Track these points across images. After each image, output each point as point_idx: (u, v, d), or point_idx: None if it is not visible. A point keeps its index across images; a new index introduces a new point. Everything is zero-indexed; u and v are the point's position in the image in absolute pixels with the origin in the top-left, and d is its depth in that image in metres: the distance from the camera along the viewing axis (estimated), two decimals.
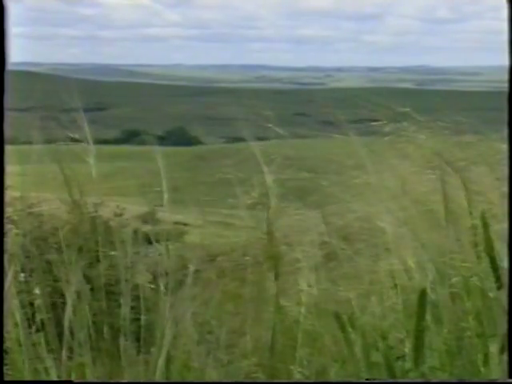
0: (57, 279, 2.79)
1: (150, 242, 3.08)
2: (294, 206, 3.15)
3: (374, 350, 2.66)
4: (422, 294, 2.47)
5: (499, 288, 2.67)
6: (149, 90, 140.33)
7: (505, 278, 2.62)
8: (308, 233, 3.05)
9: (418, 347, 2.50)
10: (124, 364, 2.72)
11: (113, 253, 2.82)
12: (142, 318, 2.80)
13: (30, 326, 2.72)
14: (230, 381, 2.91)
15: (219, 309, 3.13)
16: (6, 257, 2.53)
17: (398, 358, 2.67)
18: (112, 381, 2.70)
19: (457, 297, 2.79)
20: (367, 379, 2.60)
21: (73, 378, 2.65)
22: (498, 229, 2.72)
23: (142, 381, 2.67)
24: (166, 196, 2.92)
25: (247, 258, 3.06)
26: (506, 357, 2.49)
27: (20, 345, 2.65)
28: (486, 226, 2.69)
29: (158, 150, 3.03)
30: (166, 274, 2.77)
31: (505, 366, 2.50)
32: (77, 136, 2.79)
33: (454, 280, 2.79)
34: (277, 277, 2.90)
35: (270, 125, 3.34)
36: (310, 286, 3.02)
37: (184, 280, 2.80)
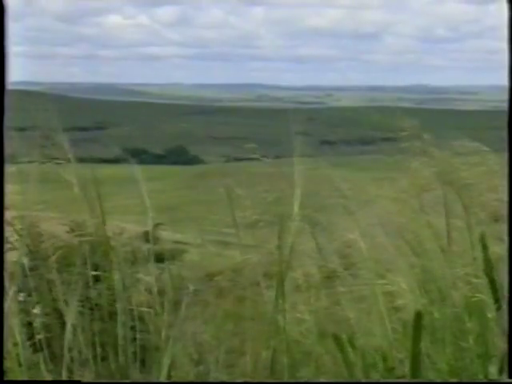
0: (56, 299, 2.78)
1: (149, 261, 3.07)
2: (293, 226, 3.14)
3: (374, 371, 2.65)
4: (418, 316, 2.45)
5: (498, 309, 2.66)
6: (148, 109, 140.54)
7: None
8: (307, 252, 3.05)
9: (416, 368, 2.48)
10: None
11: (112, 272, 2.81)
12: (140, 337, 2.79)
13: (30, 346, 2.72)
14: (229, 381, 2.92)
15: (218, 328, 3.13)
16: (6, 275, 2.52)
17: (398, 378, 2.66)
18: (116, 380, 2.73)
19: (456, 318, 2.78)
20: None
21: None
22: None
23: (142, 381, 2.71)
24: (165, 215, 2.92)
25: (246, 277, 3.06)
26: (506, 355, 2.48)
27: (20, 364, 2.64)
28: (485, 247, 2.68)
29: (158, 169, 3.03)
30: (165, 293, 2.77)
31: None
32: (73, 155, 2.79)
33: (452, 301, 2.78)
34: (276, 296, 2.90)
35: (269, 144, 3.34)
36: (309, 305, 3.02)
37: (183, 299, 2.79)
